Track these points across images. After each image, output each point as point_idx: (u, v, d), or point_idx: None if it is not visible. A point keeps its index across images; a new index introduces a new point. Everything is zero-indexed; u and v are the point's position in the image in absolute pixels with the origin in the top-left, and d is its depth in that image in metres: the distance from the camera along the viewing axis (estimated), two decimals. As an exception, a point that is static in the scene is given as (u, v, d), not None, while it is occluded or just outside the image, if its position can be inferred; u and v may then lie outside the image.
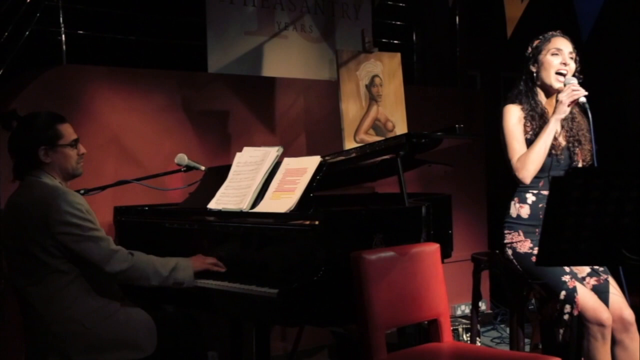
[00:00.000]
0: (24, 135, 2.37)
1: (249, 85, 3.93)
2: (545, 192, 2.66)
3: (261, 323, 2.50)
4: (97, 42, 3.76)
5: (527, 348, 3.15)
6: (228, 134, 3.81)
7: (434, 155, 3.00)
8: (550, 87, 2.68)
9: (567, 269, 2.53)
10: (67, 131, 2.42)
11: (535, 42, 2.72)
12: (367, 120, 3.89)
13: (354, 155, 2.72)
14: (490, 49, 5.05)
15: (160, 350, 2.38)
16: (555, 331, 2.49)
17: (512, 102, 2.71)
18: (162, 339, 2.39)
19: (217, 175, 2.87)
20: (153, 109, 3.60)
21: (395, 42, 4.75)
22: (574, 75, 2.64)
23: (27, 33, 3.26)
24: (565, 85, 2.59)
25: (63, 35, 3.53)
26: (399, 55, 4.06)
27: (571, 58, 2.67)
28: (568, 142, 2.69)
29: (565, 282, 2.48)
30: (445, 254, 2.81)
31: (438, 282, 2.46)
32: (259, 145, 2.87)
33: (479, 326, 3.60)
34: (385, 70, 3.96)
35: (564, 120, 2.65)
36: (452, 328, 2.92)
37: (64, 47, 3.53)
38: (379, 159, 2.77)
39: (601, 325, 2.43)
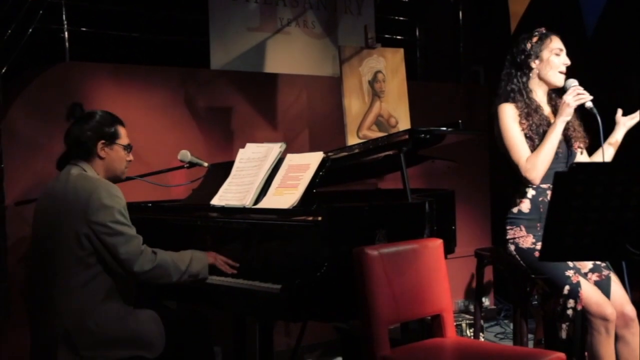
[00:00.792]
0: (86, 127, 2.44)
1: (251, 81, 3.93)
2: (544, 186, 2.66)
3: (264, 318, 2.50)
4: (100, 39, 3.76)
5: (531, 344, 3.15)
6: (231, 130, 3.82)
7: (437, 151, 3.00)
8: (553, 84, 2.71)
9: (570, 264, 2.53)
10: (125, 134, 2.53)
11: (534, 39, 2.72)
12: (370, 116, 3.89)
13: (356, 151, 2.72)
14: (494, 44, 5.03)
15: (169, 347, 2.39)
16: (558, 326, 2.49)
17: (505, 100, 2.70)
18: (171, 336, 2.40)
19: (220, 172, 2.88)
20: (156, 106, 3.61)
21: (398, 37, 4.73)
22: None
23: (30, 30, 3.26)
24: (566, 87, 2.60)
25: (66, 33, 3.53)
26: (401, 50, 4.05)
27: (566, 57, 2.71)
28: (564, 134, 2.69)
29: (569, 277, 2.48)
30: (449, 249, 2.81)
31: (441, 278, 2.46)
32: (262, 142, 2.88)
33: (482, 322, 3.61)
34: (388, 66, 3.96)
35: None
36: (455, 323, 2.92)
37: (67, 44, 3.54)
38: (382, 154, 2.77)
39: (605, 319, 2.43)
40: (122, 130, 2.51)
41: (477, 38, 5.09)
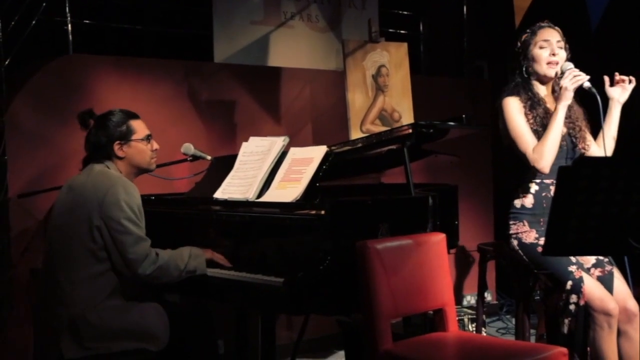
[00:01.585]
0: (101, 133, 2.48)
1: (255, 75, 3.92)
2: (548, 181, 2.66)
3: (267, 312, 2.50)
4: (103, 32, 3.76)
5: (533, 339, 3.15)
6: (234, 123, 3.81)
7: (441, 146, 2.99)
8: (545, 76, 2.69)
9: (573, 259, 2.52)
10: (140, 127, 2.53)
11: (523, 37, 2.72)
12: (374, 111, 3.88)
13: (360, 145, 2.72)
14: (498, 39, 5.01)
15: (172, 340, 2.40)
16: (561, 321, 2.49)
17: (510, 94, 2.70)
18: (174, 329, 2.41)
19: (224, 165, 2.88)
20: (159, 99, 3.61)
21: (402, 32, 4.72)
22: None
23: (33, 22, 3.26)
24: (562, 71, 2.58)
25: (69, 25, 3.53)
26: (405, 45, 4.04)
27: (560, 47, 2.67)
28: (569, 128, 2.69)
29: (571, 272, 2.48)
30: (451, 244, 2.81)
31: (443, 272, 2.46)
32: (265, 135, 2.88)
33: (484, 316, 3.61)
34: (392, 60, 3.95)
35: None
36: (457, 318, 2.92)
37: (70, 36, 3.53)
38: (386, 149, 2.76)
39: (608, 314, 2.42)
40: (136, 125, 2.52)
41: (481, 33, 5.07)
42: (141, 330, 2.33)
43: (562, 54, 2.66)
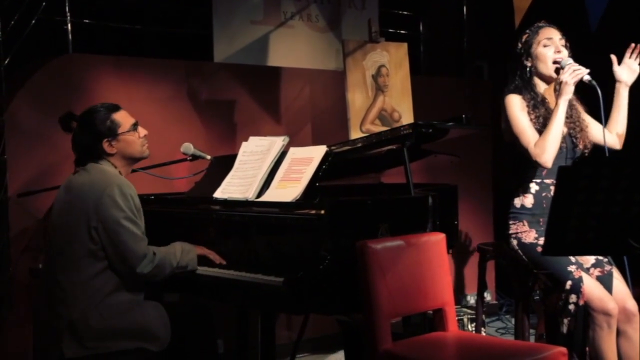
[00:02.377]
0: (85, 134, 2.44)
1: (255, 75, 3.92)
2: (548, 181, 2.66)
3: (267, 311, 2.50)
4: (103, 31, 3.76)
5: (532, 339, 3.15)
6: (234, 123, 3.81)
7: (441, 146, 2.99)
8: (550, 77, 2.68)
9: (572, 259, 2.52)
10: (124, 118, 2.48)
11: (524, 37, 2.72)
12: (374, 111, 3.88)
13: (360, 145, 2.72)
14: (498, 39, 5.02)
15: (172, 339, 2.40)
16: (560, 321, 2.49)
17: (512, 92, 2.70)
18: (175, 329, 2.41)
19: (223, 165, 2.88)
20: (159, 99, 3.60)
21: (402, 32, 4.72)
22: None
23: (33, 22, 3.26)
24: (562, 66, 2.58)
25: (69, 24, 3.53)
26: (405, 45, 4.04)
27: (562, 45, 2.67)
28: (569, 128, 2.69)
29: (571, 272, 2.48)
30: (451, 244, 2.81)
31: (443, 272, 2.46)
32: (265, 135, 2.87)
33: (484, 316, 3.61)
34: (392, 60, 3.95)
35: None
36: (457, 318, 2.92)
37: (70, 36, 3.53)
38: (385, 148, 2.76)
39: (607, 314, 2.42)
40: (119, 117, 2.47)
41: (481, 33, 5.07)
42: (142, 330, 2.33)
43: (565, 52, 2.66)
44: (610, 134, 2.72)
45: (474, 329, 3.84)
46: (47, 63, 3.32)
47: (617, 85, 2.71)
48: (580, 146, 2.69)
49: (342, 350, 3.61)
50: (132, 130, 2.48)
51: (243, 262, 2.47)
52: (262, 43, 4.09)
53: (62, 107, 3.23)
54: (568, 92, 2.55)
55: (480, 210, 4.68)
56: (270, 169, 2.67)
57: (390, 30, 4.57)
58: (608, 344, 2.44)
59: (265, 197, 2.58)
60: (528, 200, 2.68)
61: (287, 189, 2.52)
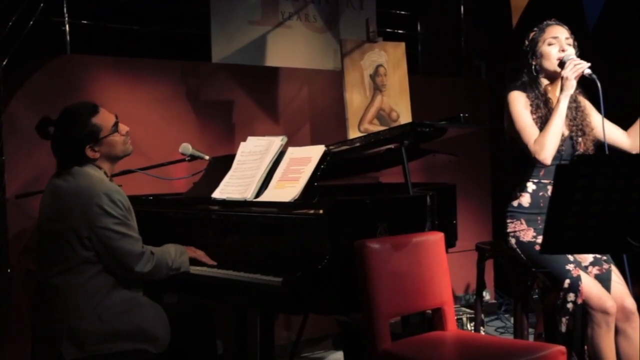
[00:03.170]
0: (65, 140, 2.36)
1: (253, 75, 3.92)
2: (546, 181, 2.66)
3: (266, 311, 2.50)
4: (101, 32, 3.75)
5: (531, 338, 3.16)
6: (232, 123, 3.81)
7: (439, 145, 3.00)
8: (554, 73, 2.66)
9: (571, 257, 2.53)
10: (104, 120, 2.40)
11: (531, 34, 2.72)
12: (372, 110, 3.88)
13: (358, 144, 2.72)
14: (496, 38, 5.02)
15: (173, 341, 2.39)
16: (558, 320, 2.49)
17: (516, 89, 2.70)
18: (174, 329, 2.41)
19: (222, 165, 2.88)
20: (157, 99, 3.60)
21: (400, 31, 4.73)
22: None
23: (31, 23, 3.26)
24: (565, 61, 2.58)
25: (67, 25, 3.53)
26: (403, 44, 4.04)
27: (569, 44, 2.66)
28: (571, 131, 2.68)
29: (569, 271, 2.48)
30: (450, 243, 2.81)
31: (442, 271, 2.46)
32: (263, 135, 2.87)
33: (482, 316, 3.61)
34: (390, 59, 3.95)
35: (568, 109, 2.64)
36: (456, 317, 2.92)
37: (68, 36, 3.53)
38: (384, 148, 2.76)
39: (605, 313, 2.43)
40: (99, 120, 2.38)
41: (478, 32, 5.08)
42: (141, 332, 2.32)
43: (571, 51, 2.64)
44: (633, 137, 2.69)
45: (473, 328, 3.84)
46: (45, 64, 3.32)
47: None
48: (581, 150, 2.69)
49: (341, 350, 3.62)
50: (113, 131, 2.40)
51: (242, 262, 2.47)
52: (260, 43, 4.09)
53: (60, 108, 3.24)
54: (569, 88, 2.54)
55: (479, 210, 4.68)
56: (268, 169, 2.67)
57: (388, 30, 4.57)
58: (606, 342, 2.44)
59: (264, 197, 2.58)
60: (525, 200, 2.68)
61: (286, 189, 2.52)
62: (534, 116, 2.64)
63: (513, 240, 2.69)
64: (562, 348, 2.21)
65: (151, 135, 3.53)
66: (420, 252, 2.42)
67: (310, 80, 4.08)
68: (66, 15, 3.52)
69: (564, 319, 2.48)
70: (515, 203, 2.70)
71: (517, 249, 2.68)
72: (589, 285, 2.47)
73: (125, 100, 3.50)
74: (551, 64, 2.65)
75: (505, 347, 2.32)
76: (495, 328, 4.30)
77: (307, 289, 2.18)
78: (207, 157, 3.10)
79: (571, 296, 2.47)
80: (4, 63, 3.14)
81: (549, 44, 2.65)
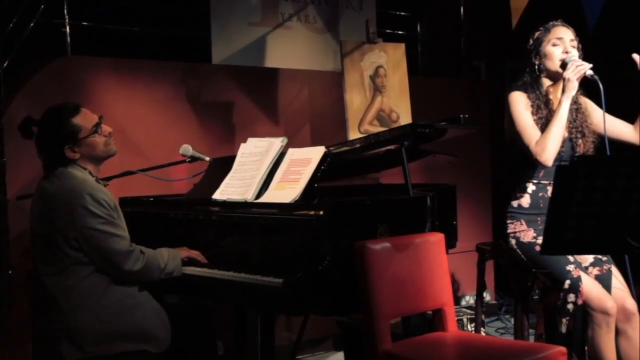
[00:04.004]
0: (46, 140, 2.37)
1: (253, 76, 3.92)
2: (545, 182, 2.66)
3: (266, 312, 2.50)
4: (101, 33, 3.76)
5: (532, 339, 3.16)
6: (232, 124, 3.82)
7: (439, 146, 3.00)
8: (556, 73, 2.66)
9: (571, 258, 2.53)
10: (85, 120, 2.39)
11: (536, 34, 2.71)
12: (372, 111, 3.88)
13: (358, 145, 2.72)
14: (495, 39, 5.03)
15: (173, 341, 2.39)
16: (558, 320, 2.49)
17: (518, 89, 2.70)
18: (174, 330, 2.40)
19: (222, 166, 2.88)
20: (157, 100, 3.61)
21: (400, 32, 4.73)
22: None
23: (32, 24, 3.26)
24: (567, 62, 2.58)
25: (67, 27, 3.53)
26: (403, 45, 4.05)
27: (573, 46, 2.66)
28: (570, 133, 2.68)
29: (569, 272, 2.48)
30: (450, 244, 2.82)
31: (442, 272, 2.46)
32: (263, 136, 2.88)
33: (483, 316, 3.61)
34: (390, 60, 3.95)
35: (568, 110, 2.64)
36: (456, 318, 2.92)
37: (68, 38, 3.53)
38: (384, 149, 2.77)
39: (606, 313, 2.43)
40: (79, 120, 2.36)
41: (478, 33, 5.08)
42: (142, 332, 2.32)
43: (575, 53, 2.64)
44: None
45: (473, 329, 3.85)
46: (45, 65, 3.32)
47: None
48: (580, 151, 2.69)
49: (341, 351, 3.62)
50: (93, 132, 2.38)
51: (242, 263, 2.47)
52: (259, 44, 4.10)
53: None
54: (571, 89, 2.54)
55: (479, 210, 4.68)
56: (269, 170, 2.67)
57: (388, 30, 4.57)
58: (607, 343, 2.44)
59: (264, 198, 2.58)
60: (525, 200, 2.69)
61: (286, 190, 2.53)
62: (535, 117, 2.64)
63: (513, 241, 2.69)
64: (563, 349, 2.21)
65: (151, 137, 3.54)
66: (421, 253, 2.42)
67: (310, 81, 4.08)
68: (67, 16, 3.52)
69: (564, 320, 2.48)
70: (515, 204, 2.71)
71: (517, 250, 2.68)
72: (590, 286, 2.47)
73: (125, 101, 3.50)
74: (553, 65, 2.65)
75: (506, 347, 2.32)
76: (495, 329, 4.30)
77: (308, 289, 2.18)
78: (207, 159, 3.10)
79: (571, 297, 2.47)
80: (5, 64, 3.14)
81: (554, 45, 2.65)
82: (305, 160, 2.58)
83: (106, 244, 2.29)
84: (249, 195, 2.61)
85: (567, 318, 2.48)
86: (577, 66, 2.52)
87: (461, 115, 2.67)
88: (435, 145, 2.95)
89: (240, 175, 2.75)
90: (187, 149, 3.12)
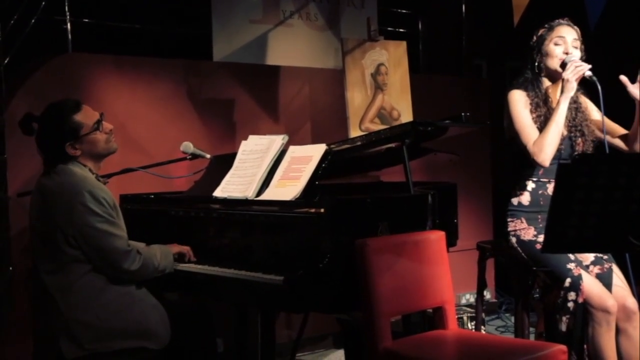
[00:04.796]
0: (47, 137, 2.36)
1: (254, 73, 3.92)
2: (545, 180, 2.67)
3: (267, 310, 2.51)
4: (102, 30, 3.76)
5: (532, 337, 3.16)
6: (233, 122, 3.82)
7: (440, 144, 3.00)
8: (556, 72, 2.66)
9: (572, 256, 2.53)
10: (86, 117, 2.38)
11: (540, 31, 2.71)
12: (373, 109, 3.88)
13: (359, 143, 2.72)
14: (497, 37, 5.02)
15: (173, 338, 2.39)
16: (558, 318, 2.49)
17: (517, 87, 2.70)
18: (174, 327, 2.41)
19: (223, 164, 2.88)
20: (158, 97, 3.61)
21: (401, 30, 4.72)
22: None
23: (33, 21, 3.26)
24: (566, 63, 2.57)
25: (69, 24, 3.53)
26: (404, 43, 4.04)
27: (575, 46, 2.65)
28: (570, 131, 2.68)
29: (570, 270, 2.48)
30: (451, 242, 2.82)
31: (443, 270, 2.46)
32: (264, 134, 2.88)
33: (483, 315, 3.61)
34: (391, 58, 3.95)
35: (567, 109, 2.64)
36: (457, 316, 2.93)
37: (69, 35, 3.53)
38: (385, 147, 2.77)
39: (606, 311, 2.43)
40: (81, 117, 2.36)
41: (479, 31, 5.08)
42: (142, 329, 2.32)
43: (576, 54, 2.63)
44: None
45: (473, 327, 3.85)
46: (47, 62, 3.32)
47: (636, 104, 2.60)
48: (580, 150, 2.68)
49: (342, 348, 3.62)
50: (95, 129, 2.38)
51: (243, 261, 2.47)
52: (261, 42, 4.09)
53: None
54: (570, 90, 2.54)
55: (480, 209, 4.68)
56: (269, 167, 2.67)
57: (389, 28, 4.57)
58: (607, 341, 2.44)
59: (265, 196, 2.58)
60: (525, 198, 2.69)
61: (287, 188, 2.53)
62: (534, 115, 2.64)
63: (514, 239, 2.69)
64: (563, 347, 2.21)
65: (152, 134, 3.54)
66: (421, 251, 2.42)
67: (311, 79, 4.08)
68: (68, 13, 3.52)
69: (564, 318, 2.48)
70: (515, 202, 2.71)
71: (518, 248, 2.68)
72: (590, 284, 2.47)
73: (126, 99, 3.50)
74: (554, 64, 2.65)
75: (506, 346, 2.33)
76: (496, 327, 4.30)
77: (308, 287, 2.18)
78: (208, 156, 3.10)
79: (572, 295, 2.47)
80: (6, 61, 3.14)
81: (555, 44, 2.64)
82: (306, 157, 2.58)
83: (104, 242, 2.29)
84: (249, 193, 2.61)
85: (568, 316, 2.48)
86: (576, 67, 2.52)
87: (462, 114, 2.67)
88: (436, 143, 2.95)
89: (241, 173, 2.75)
90: (188, 146, 3.12)
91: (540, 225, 2.64)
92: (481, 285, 3.27)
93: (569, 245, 1.85)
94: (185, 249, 2.60)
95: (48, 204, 2.32)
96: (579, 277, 2.47)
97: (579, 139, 2.68)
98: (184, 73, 3.69)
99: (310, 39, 4.28)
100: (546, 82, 2.72)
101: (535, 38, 2.71)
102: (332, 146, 2.63)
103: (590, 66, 2.53)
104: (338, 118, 3.87)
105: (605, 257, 2.61)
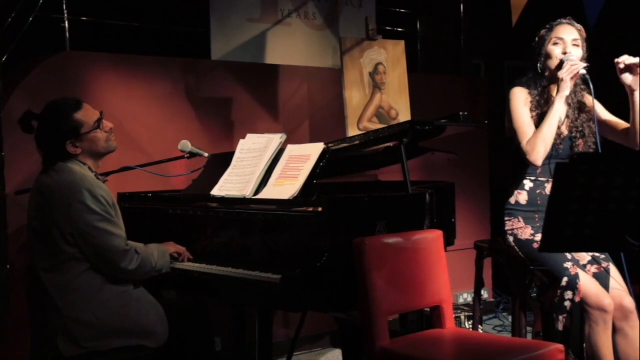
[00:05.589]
0: (47, 135, 2.36)
1: (252, 72, 3.92)
2: (543, 179, 2.67)
3: (264, 309, 2.50)
4: (100, 29, 3.75)
5: (530, 337, 3.16)
6: (231, 121, 3.81)
7: (438, 143, 3.00)
8: (555, 72, 2.66)
9: (569, 255, 2.53)
10: (87, 116, 2.38)
11: (542, 32, 2.72)
12: (371, 108, 3.88)
13: (357, 142, 2.72)
14: (495, 37, 5.03)
15: (170, 337, 2.39)
16: (555, 318, 2.49)
17: (520, 85, 2.70)
18: (172, 326, 2.41)
19: (221, 162, 2.88)
20: (156, 96, 3.60)
21: (399, 29, 4.73)
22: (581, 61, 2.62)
23: (30, 19, 3.25)
24: (563, 62, 2.58)
25: (66, 22, 3.52)
26: (402, 43, 4.04)
27: (575, 45, 2.65)
28: (571, 132, 2.68)
29: (567, 269, 2.49)
30: (449, 241, 2.82)
31: (441, 269, 2.46)
32: (263, 133, 2.88)
33: (481, 314, 3.61)
34: (389, 58, 3.95)
35: (570, 110, 2.64)
36: (454, 316, 2.93)
37: (67, 33, 3.53)
38: (383, 146, 2.77)
39: (603, 311, 2.43)
40: (81, 116, 2.37)
41: (478, 31, 5.08)
42: (139, 328, 2.33)
43: (577, 53, 2.62)
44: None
45: (471, 326, 3.85)
46: (44, 60, 3.31)
47: (628, 92, 2.58)
48: (578, 150, 2.68)
49: (339, 347, 3.62)
50: (95, 127, 2.38)
51: (241, 260, 2.47)
52: (259, 41, 4.09)
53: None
54: (565, 89, 2.54)
55: (478, 208, 4.68)
56: (267, 166, 2.67)
57: (388, 28, 4.57)
58: (604, 340, 2.45)
59: (263, 195, 2.58)
60: (522, 197, 2.69)
61: (285, 187, 2.53)
62: (533, 114, 2.65)
63: (511, 239, 2.69)
64: (560, 346, 2.21)
65: (150, 133, 3.53)
66: (419, 250, 2.43)
67: (309, 78, 4.08)
68: (65, 12, 3.51)
69: (561, 317, 2.49)
70: (512, 201, 2.71)
71: (516, 247, 2.69)
72: (587, 284, 2.47)
73: (124, 97, 3.50)
74: (552, 64, 2.65)
75: (503, 345, 2.33)
76: (493, 326, 4.31)
77: (306, 286, 2.18)
78: (206, 155, 3.10)
79: (569, 294, 2.47)
80: (4, 59, 3.13)
81: (554, 44, 2.65)
82: (304, 156, 2.58)
83: (102, 241, 2.28)
84: (247, 192, 2.61)
85: (565, 316, 2.48)
86: (572, 66, 2.53)
87: (460, 113, 2.68)
88: (434, 142, 2.95)
89: (239, 172, 2.75)
90: (186, 144, 3.12)
91: (538, 224, 2.64)
92: (479, 285, 3.28)
93: (567, 245, 1.85)
94: (182, 249, 2.59)
95: (47, 202, 2.32)
96: (576, 276, 2.47)
97: (580, 140, 2.68)
98: (182, 72, 3.69)
99: (309, 38, 4.28)
100: (549, 82, 2.72)
101: (537, 39, 2.71)
102: (330, 145, 2.63)
103: (585, 65, 2.54)
104: (336, 117, 3.87)
105: (603, 256, 2.61)
